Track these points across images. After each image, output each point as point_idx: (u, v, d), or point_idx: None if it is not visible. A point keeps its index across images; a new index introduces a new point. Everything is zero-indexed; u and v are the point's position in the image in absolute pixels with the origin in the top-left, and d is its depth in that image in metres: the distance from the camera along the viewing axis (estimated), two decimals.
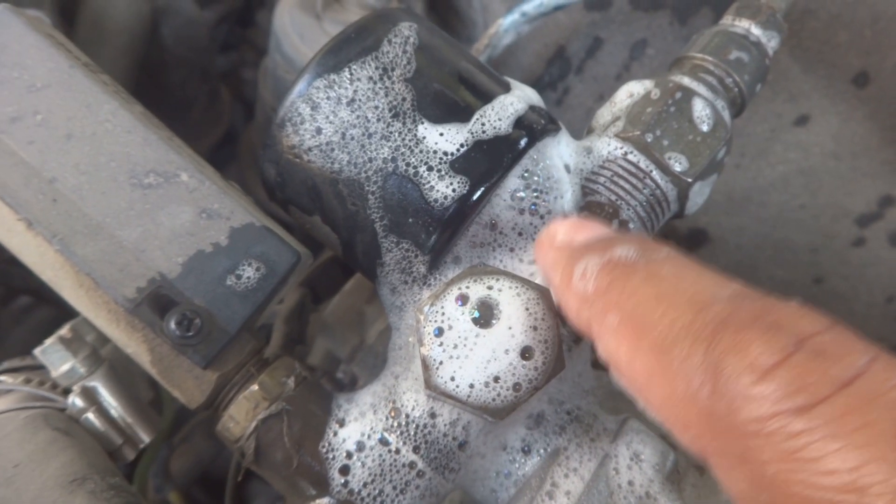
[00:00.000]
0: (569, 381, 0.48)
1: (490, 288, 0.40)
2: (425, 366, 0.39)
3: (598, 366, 0.52)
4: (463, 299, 0.40)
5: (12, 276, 0.69)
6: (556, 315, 0.39)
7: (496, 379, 0.38)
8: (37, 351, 0.44)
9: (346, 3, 0.83)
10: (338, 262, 0.74)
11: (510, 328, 0.39)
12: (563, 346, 0.40)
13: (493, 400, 0.38)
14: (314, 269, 0.68)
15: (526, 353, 0.39)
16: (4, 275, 0.68)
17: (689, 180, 0.49)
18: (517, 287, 0.40)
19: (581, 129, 0.56)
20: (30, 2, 0.68)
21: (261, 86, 0.93)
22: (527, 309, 0.39)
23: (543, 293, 0.40)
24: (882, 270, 0.83)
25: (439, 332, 0.39)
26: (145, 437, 0.45)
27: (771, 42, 0.54)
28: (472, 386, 0.38)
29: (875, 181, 0.80)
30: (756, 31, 0.53)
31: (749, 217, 0.86)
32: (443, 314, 0.39)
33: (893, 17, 0.75)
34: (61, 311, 0.71)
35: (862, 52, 0.77)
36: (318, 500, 0.42)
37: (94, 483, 0.36)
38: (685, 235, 0.91)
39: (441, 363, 0.39)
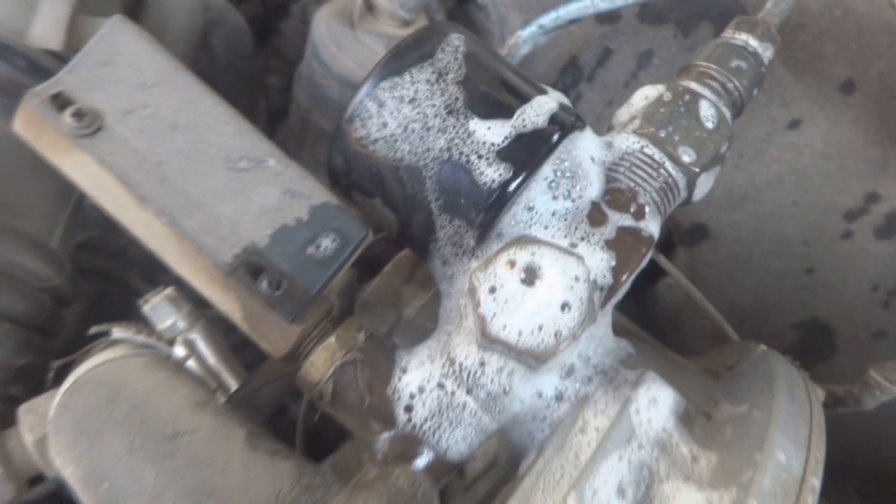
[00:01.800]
0: (595, 341, 0.57)
1: (533, 254, 0.49)
2: (482, 318, 0.48)
3: (619, 331, 0.61)
4: (511, 264, 0.49)
5: (81, 259, 0.78)
6: (589, 277, 0.48)
7: (540, 328, 0.47)
8: (145, 307, 0.53)
9: (379, 15, 0.92)
10: (373, 251, 0.82)
11: (551, 287, 0.48)
12: (593, 304, 0.49)
13: (538, 345, 0.47)
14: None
15: (565, 306, 0.48)
16: (75, 258, 0.77)
17: (697, 170, 0.58)
18: (556, 253, 0.49)
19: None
20: (101, 10, 0.77)
21: (296, 89, 1.02)
22: (564, 271, 0.48)
23: (578, 258, 0.49)
24: (868, 261, 0.92)
25: (492, 290, 0.48)
26: (234, 384, 0.54)
27: (766, 52, 0.63)
28: (520, 333, 0.47)
29: (861, 179, 0.90)
30: (753, 43, 0.63)
31: (746, 213, 0.96)
32: (495, 276, 0.48)
33: (876, 30, 0.85)
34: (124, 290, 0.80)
35: (848, 62, 0.86)
36: (384, 434, 0.50)
37: (215, 405, 0.45)
38: (687, 230, 1.01)
39: (495, 315, 0.47)
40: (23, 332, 0.63)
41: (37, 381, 0.65)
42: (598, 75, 0.99)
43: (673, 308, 1.10)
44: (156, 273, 0.86)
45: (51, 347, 0.67)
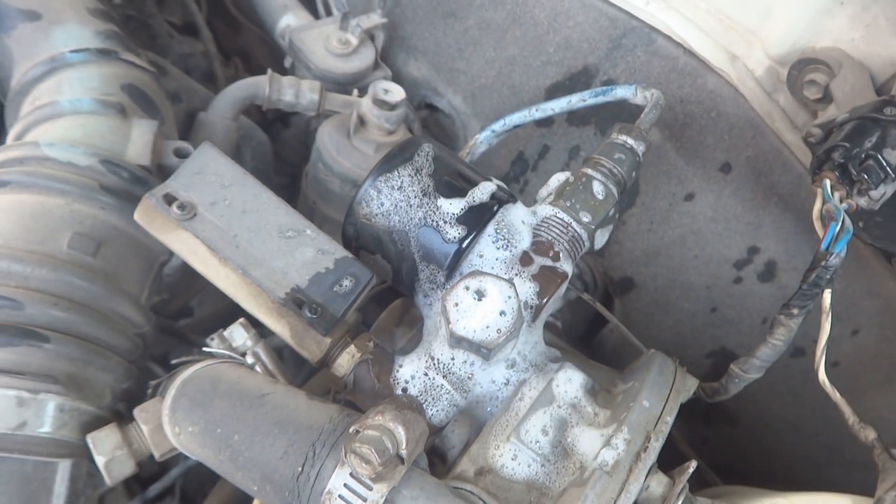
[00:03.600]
0: (530, 345, 0.85)
1: (481, 282, 0.77)
2: (449, 322, 0.76)
3: (554, 346, 0.89)
4: (467, 288, 0.77)
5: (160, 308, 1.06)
6: (517, 295, 0.77)
7: (487, 327, 0.75)
8: (226, 331, 0.81)
9: (369, 127, 1.23)
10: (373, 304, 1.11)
11: (493, 301, 0.76)
12: (522, 312, 0.77)
13: (487, 338, 0.75)
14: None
15: (502, 313, 0.76)
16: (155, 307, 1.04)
17: (594, 227, 0.88)
18: (496, 280, 0.77)
19: None
20: (168, 136, 1.07)
21: (303, 185, 1.32)
22: (501, 291, 0.77)
23: (509, 282, 0.77)
24: (756, 300, 1.21)
25: (456, 304, 0.76)
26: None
27: (639, 148, 0.94)
28: (475, 331, 0.75)
29: (743, 237, 1.19)
30: (630, 141, 0.94)
31: (660, 266, 1.25)
32: (457, 296, 0.77)
33: (742, 126, 1.15)
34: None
35: (724, 150, 1.17)
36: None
37: (282, 383, 0.72)
38: (618, 282, 1.30)
39: (458, 320, 0.76)
40: (126, 364, 0.90)
41: (133, 400, 0.92)
42: (539, 165, 1.30)
43: (615, 348, 1.38)
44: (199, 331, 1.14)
45: (140, 376, 0.94)
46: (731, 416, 1.32)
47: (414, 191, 0.84)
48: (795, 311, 0.84)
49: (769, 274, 1.19)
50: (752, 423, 1.31)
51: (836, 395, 0.84)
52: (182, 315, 1.19)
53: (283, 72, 1.36)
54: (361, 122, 1.24)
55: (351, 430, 0.61)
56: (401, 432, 0.60)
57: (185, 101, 1.23)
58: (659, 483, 0.71)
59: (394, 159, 0.85)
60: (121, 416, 0.88)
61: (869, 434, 0.82)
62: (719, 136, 1.16)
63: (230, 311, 1.19)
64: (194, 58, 1.61)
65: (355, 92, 1.33)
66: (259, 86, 1.22)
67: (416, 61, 1.44)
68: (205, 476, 1.17)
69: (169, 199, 0.82)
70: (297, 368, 1.05)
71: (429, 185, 0.84)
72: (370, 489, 0.60)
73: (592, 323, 1.43)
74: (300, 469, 0.62)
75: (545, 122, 1.28)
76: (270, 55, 1.75)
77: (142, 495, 1.12)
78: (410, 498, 0.62)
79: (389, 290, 0.97)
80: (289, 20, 1.45)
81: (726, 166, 1.17)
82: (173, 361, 0.88)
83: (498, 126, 1.17)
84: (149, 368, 1.02)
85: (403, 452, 0.60)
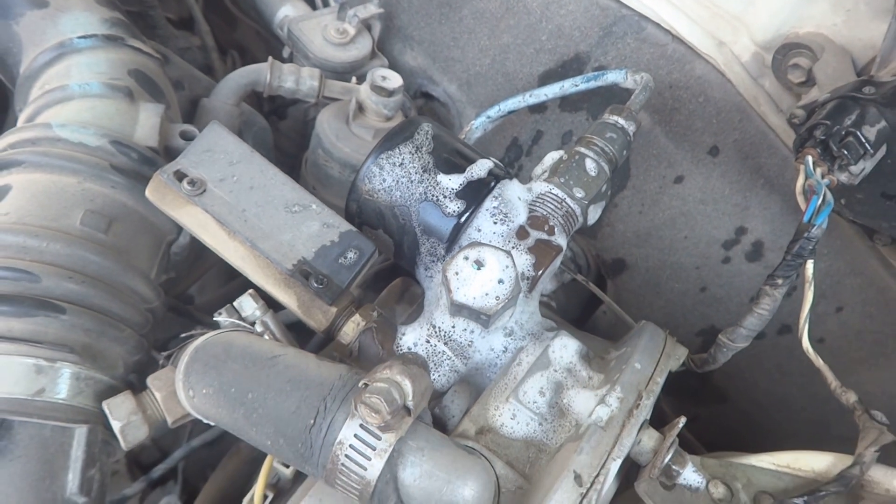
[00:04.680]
0: (527, 314, 0.89)
1: (480, 251, 0.82)
2: (450, 291, 0.80)
3: (545, 311, 0.94)
4: (466, 258, 0.81)
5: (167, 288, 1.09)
6: (515, 264, 0.81)
7: (486, 294, 0.80)
8: (234, 303, 0.85)
9: (367, 113, 1.28)
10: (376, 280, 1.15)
11: (491, 269, 0.81)
12: (519, 282, 0.81)
13: (486, 305, 0.80)
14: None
15: (500, 281, 0.80)
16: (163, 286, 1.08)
17: (587, 202, 0.93)
18: (494, 250, 0.82)
19: None
20: (173, 119, 1.11)
21: (303, 171, 1.36)
22: (499, 260, 0.81)
23: (507, 253, 0.82)
24: (744, 279, 1.26)
25: (456, 273, 0.81)
26: None
27: (630, 128, 0.99)
28: (474, 298, 0.80)
29: (731, 217, 1.24)
30: (621, 121, 0.99)
31: (651, 248, 1.30)
32: (457, 265, 0.81)
33: (730, 110, 1.20)
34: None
35: (712, 133, 1.22)
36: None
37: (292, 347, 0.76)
38: (611, 264, 1.35)
39: (458, 288, 0.80)
40: (137, 336, 0.94)
41: (142, 371, 0.96)
42: (533, 150, 1.35)
43: (608, 329, 1.43)
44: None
45: (150, 349, 0.98)
46: (721, 393, 1.37)
47: (415, 167, 0.88)
48: (780, 281, 0.89)
49: (756, 254, 1.23)
50: (740, 400, 1.36)
51: (819, 362, 0.89)
52: (183, 302, 1.23)
53: (282, 62, 1.40)
54: (360, 108, 1.28)
55: (360, 384, 0.65)
56: (407, 384, 0.64)
57: (187, 88, 1.27)
58: (650, 438, 0.75)
59: (395, 137, 0.90)
60: (132, 387, 0.92)
61: (850, 397, 0.87)
62: (707, 120, 1.20)
63: (229, 299, 1.24)
64: (191, 52, 1.64)
65: (353, 79, 1.38)
66: (260, 72, 1.26)
67: (412, 50, 1.48)
68: (205, 461, 1.21)
69: (179, 176, 0.86)
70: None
71: (429, 162, 0.88)
72: (379, 439, 0.64)
73: (586, 306, 1.48)
74: (312, 422, 0.67)
75: (538, 109, 1.33)
76: (266, 49, 1.79)
77: (146, 476, 1.16)
78: (416, 448, 0.67)
79: (389, 272, 1.01)
80: (287, 11, 1.49)
81: (714, 149, 1.21)
82: (183, 335, 0.92)
83: (493, 112, 1.21)
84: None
85: (410, 404, 0.64)
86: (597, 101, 1.28)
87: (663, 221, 1.28)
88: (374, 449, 0.64)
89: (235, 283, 1.32)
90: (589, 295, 1.41)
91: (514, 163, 1.38)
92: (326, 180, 1.31)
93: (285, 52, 1.48)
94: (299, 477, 0.89)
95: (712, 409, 1.40)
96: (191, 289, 1.36)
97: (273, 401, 0.69)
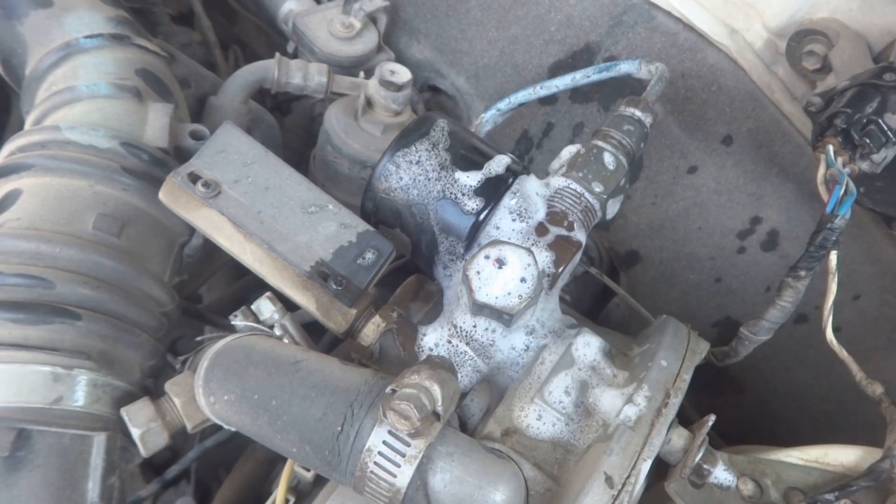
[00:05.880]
0: (547, 312, 0.88)
1: (501, 250, 0.80)
2: (472, 290, 0.79)
3: (562, 306, 0.92)
4: (488, 256, 0.80)
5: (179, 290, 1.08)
6: (536, 262, 0.80)
7: (508, 293, 0.78)
8: (253, 306, 0.83)
9: (376, 108, 1.26)
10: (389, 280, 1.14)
11: (513, 268, 0.79)
12: (542, 279, 0.80)
13: (508, 304, 0.78)
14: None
15: (522, 280, 0.79)
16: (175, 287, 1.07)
17: (606, 197, 0.91)
18: (515, 248, 0.80)
19: None
20: (182, 119, 1.09)
21: (312, 168, 1.34)
22: (521, 259, 0.80)
23: (528, 250, 0.80)
24: (759, 269, 1.25)
25: (478, 273, 0.79)
26: None
27: (647, 119, 0.97)
28: (496, 297, 0.78)
29: (746, 207, 1.23)
30: (638, 113, 0.97)
31: (665, 239, 1.29)
32: (478, 264, 0.80)
33: (743, 99, 1.19)
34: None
35: (725, 123, 1.20)
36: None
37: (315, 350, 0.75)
38: (624, 256, 1.33)
39: (480, 287, 0.79)
40: (152, 341, 0.92)
41: (158, 376, 0.94)
42: (544, 143, 1.33)
43: (622, 320, 1.41)
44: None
45: (165, 354, 0.96)
46: (738, 384, 1.36)
47: (432, 164, 0.86)
48: (803, 272, 0.88)
49: (771, 243, 1.22)
50: (758, 390, 1.35)
51: (843, 353, 0.88)
52: (192, 301, 1.21)
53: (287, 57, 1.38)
54: (369, 103, 1.26)
55: (388, 390, 0.64)
56: (436, 390, 0.63)
57: (194, 86, 1.25)
58: (680, 436, 0.74)
59: (410, 135, 0.88)
60: (149, 392, 0.91)
61: (876, 389, 0.86)
62: (720, 109, 1.19)
63: (237, 298, 1.23)
64: (191, 48, 1.62)
65: (361, 74, 1.36)
66: (268, 69, 1.25)
67: (419, 43, 1.46)
68: (218, 462, 1.20)
69: (193, 178, 0.84)
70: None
71: (446, 159, 0.87)
72: (408, 445, 0.63)
73: (598, 298, 1.46)
74: (339, 429, 0.65)
75: (549, 101, 1.31)
76: (267, 43, 1.77)
77: (160, 477, 1.15)
78: (446, 454, 0.66)
79: (402, 270, 1.00)
80: (291, 5, 1.47)
81: (728, 139, 1.20)
82: (198, 339, 0.91)
83: (503, 104, 1.19)
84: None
85: (440, 409, 0.63)
86: (608, 92, 1.26)
87: (677, 212, 1.27)
88: (403, 455, 0.63)
89: (243, 281, 1.31)
90: (600, 287, 1.40)
91: (525, 155, 1.36)
92: (336, 177, 1.29)
93: (290, 47, 1.46)
94: (320, 480, 0.88)
95: (729, 399, 1.39)
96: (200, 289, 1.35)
97: (298, 407, 0.68)
